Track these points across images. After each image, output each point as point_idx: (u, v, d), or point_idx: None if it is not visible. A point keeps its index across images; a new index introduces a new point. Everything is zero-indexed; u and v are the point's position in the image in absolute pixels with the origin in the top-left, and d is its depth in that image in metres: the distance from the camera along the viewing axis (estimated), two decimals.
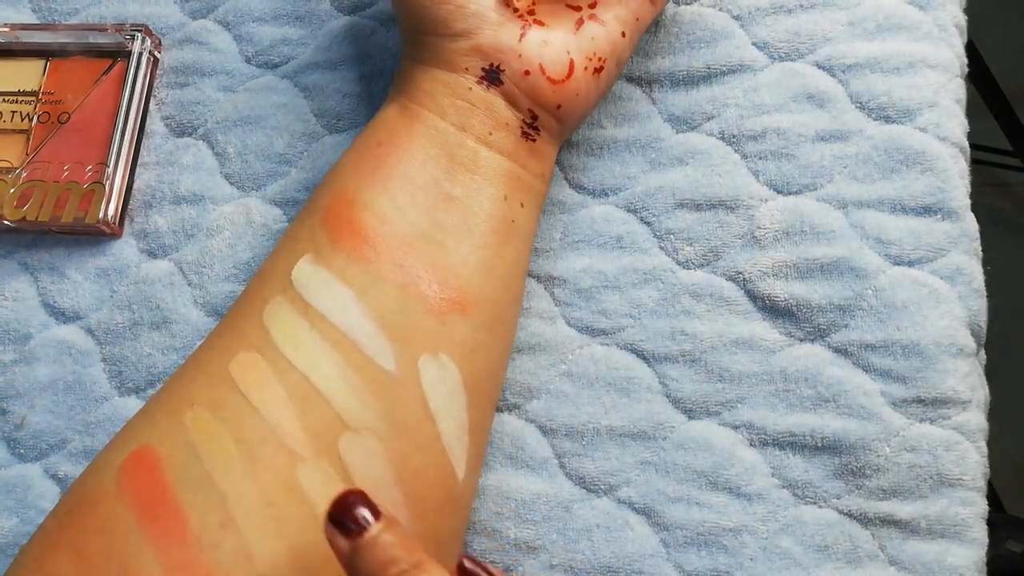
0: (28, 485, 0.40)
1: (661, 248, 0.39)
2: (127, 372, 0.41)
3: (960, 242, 0.37)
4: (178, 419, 0.30)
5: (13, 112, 0.44)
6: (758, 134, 0.39)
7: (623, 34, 0.36)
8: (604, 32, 0.35)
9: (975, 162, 0.39)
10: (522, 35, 0.34)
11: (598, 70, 0.35)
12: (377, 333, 0.31)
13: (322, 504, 0.28)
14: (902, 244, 0.37)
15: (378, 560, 0.25)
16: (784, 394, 0.36)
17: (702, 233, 0.39)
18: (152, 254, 0.42)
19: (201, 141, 0.44)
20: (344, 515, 0.25)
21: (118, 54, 0.45)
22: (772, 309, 0.37)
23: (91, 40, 0.45)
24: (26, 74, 0.45)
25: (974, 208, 0.38)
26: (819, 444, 0.35)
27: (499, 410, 0.38)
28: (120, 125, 0.43)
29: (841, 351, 0.36)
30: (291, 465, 0.29)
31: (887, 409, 0.35)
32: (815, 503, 0.35)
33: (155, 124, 0.45)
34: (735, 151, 0.39)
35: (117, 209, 0.42)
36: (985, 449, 0.35)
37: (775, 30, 0.41)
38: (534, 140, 0.35)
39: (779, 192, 0.39)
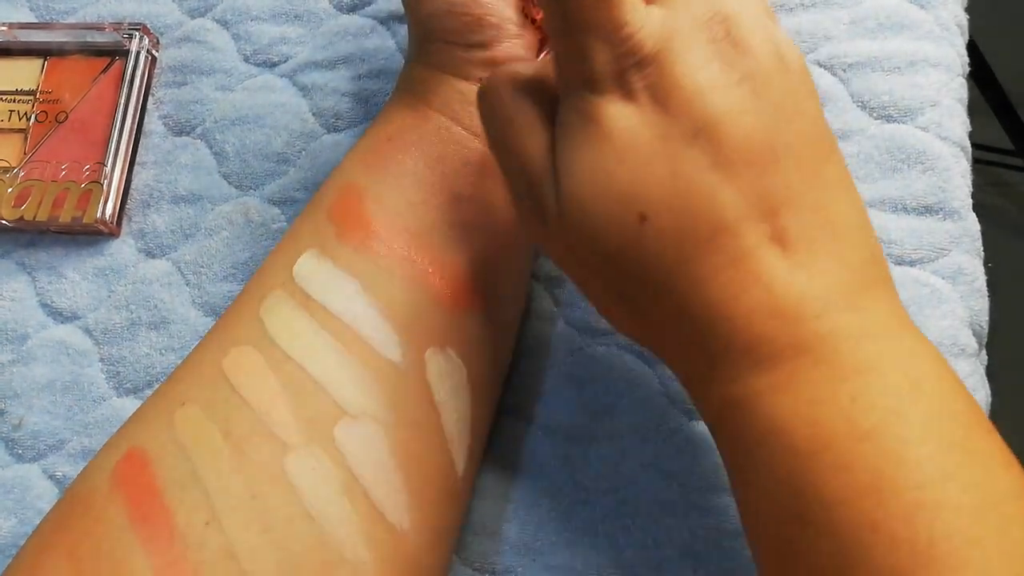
0: (26, 486, 0.40)
1: None
2: (125, 372, 0.40)
3: (962, 242, 0.37)
4: (169, 419, 0.30)
5: (11, 111, 0.44)
6: None
7: None
8: None
9: (977, 162, 0.39)
10: (540, 49, 0.34)
11: None
12: (382, 324, 0.31)
13: (309, 492, 0.28)
14: (903, 244, 0.37)
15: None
16: None
17: None
18: (150, 254, 0.42)
19: (199, 140, 0.44)
20: None
21: (116, 53, 0.45)
22: None
23: (89, 39, 0.45)
24: (24, 73, 0.45)
25: (976, 208, 0.38)
26: None
27: (499, 410, 0.38)
28: (118, 124, 0.43)
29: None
30: (279, 455, 0.29)
31: None
32: None
33: (153, 123, 0.44)
34: None
35: (115, 209, 0.42)
36: None
37: None
38: None
39: None
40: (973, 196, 0.38)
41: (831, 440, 0.24)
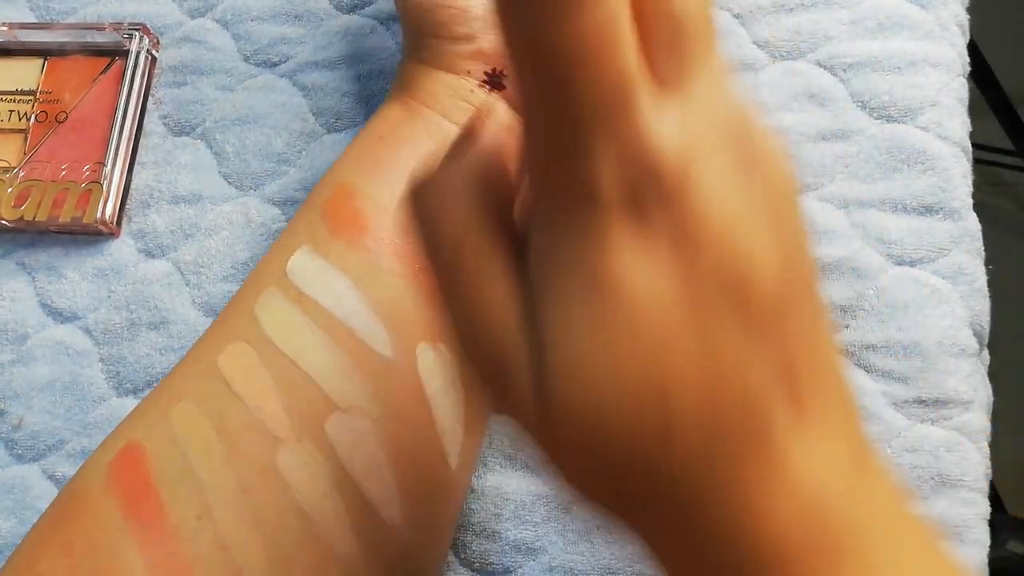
0: (26, 486, 0.40)
1: None
2: (125, 372, 0.40)
3: (962, 242, 0.37)
4: (165, 415, 0.30)
5: (11, 111, 0.44)
6: None
7: None
8: None
9: (977, 162, 0.39)
10: None
11: None
12: (374, 319, 0.31)
13: (300, 486, 0.28)
14: (903, 244, 0.37)
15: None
16: None
17: None
18: (150, 254, 0.42)
19: (199, 140, 0.44)
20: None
21: (116, 53, 0.45)
22: None
23: (89, 39, 0.45)
24: (24, 73, 0.45)
25: (976, 208, 0.38)
26: None
27: (498, 410, 0.37)
28: (118, 124, 0.43)
29: (842, 351, 0.36)
30: (271, 449, 0.29)
31: (888, 410, 0.35)
32: None
33: (153, 123, 0.44)
34: None
35: (115, 209, 0.42)
36: (987, 450, 0.35)
37: (776, 29, 0.40)
38: None
39: None
40: (973, 196, 0.38)
41: None
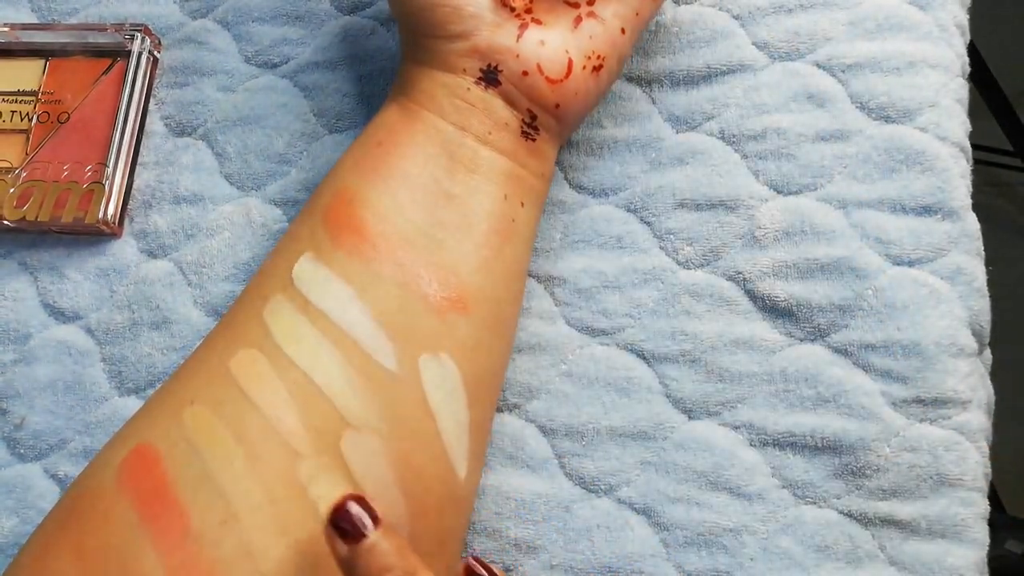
0: (28, 485, 0.40)
1: (661, 248, 0.39)
2: (127, 372, 0.40)
3: (961, 242, 0.37)
4: (178, 417, 0.30)
5: (13, 112, 0.44)
6: (758, 134, 0.39)
7: (623, 31, 0.35)
8: (603, 29, 0.35)
9: (976, 162, 0.39)
10: (519, 35, 0.34)
11: (597, 68, 0.35)
12: (377, 331, 0.31)
13: (323, 502, 0.28)
14: (902, 244, 0.37)
15: (374, 566, 0.25)
16: (784, 394, 0.36)
17: (702, 233, 0.38)
18: (152, 254, 0.42)
19: (201, 141, 0.44)
20: (344, 519, 0.26)
21: (118, 54, 0.45)
22: (772, 309, 0.37)
23: (91, 40, 0.45)
24: (26, 74, 0.45)
25: (975, 208, 0.38)
26: (819, 444, 0.35)
27: (499, 410, 0.38)
28: (120, 125, 0.43)
29: (841, 351, 0.36)
30: (292, 462, 0.29)
31: (887, 409, 0.35)
32: (815, 503, 0.35)
33: (155, 124, 0.45)
34: (735, 151, 0.39)
35: (117, 209, 0.42)
36: (986, 449, 0.35)
37: (775, 30, 0.40)
38: (534, 140, 0.35)
39: (779, 192, 0.38)
40: (972, 196, 0.38)
41: None
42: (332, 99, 0.43)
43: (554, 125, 0.36)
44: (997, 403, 0.37)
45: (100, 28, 0.45)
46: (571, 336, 0.38)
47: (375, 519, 0.26)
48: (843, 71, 0.39)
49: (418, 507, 0.30)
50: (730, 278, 0.38)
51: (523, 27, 0.35)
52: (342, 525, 0.26)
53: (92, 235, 0.43)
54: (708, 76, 0.40)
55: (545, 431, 0.37)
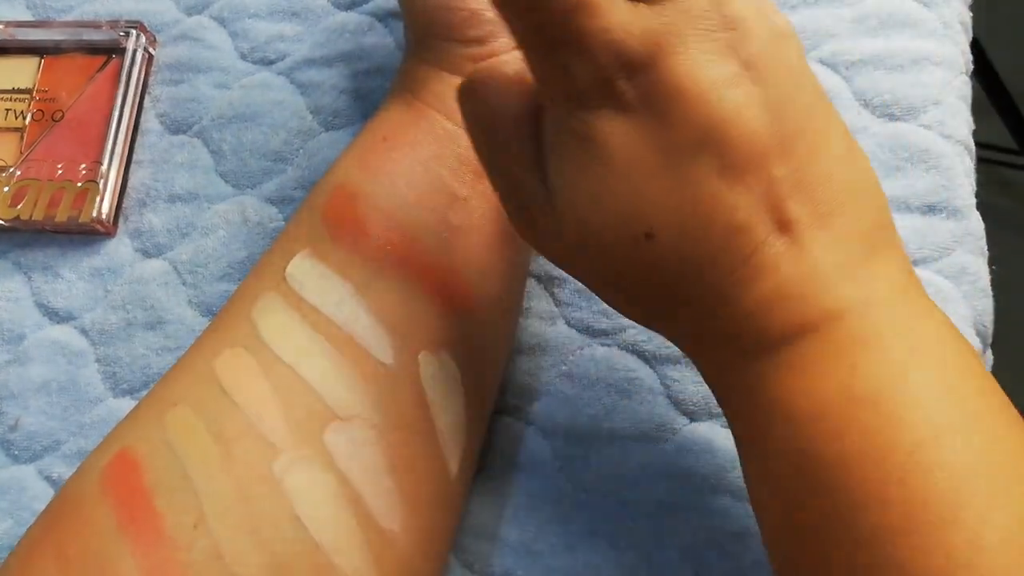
0: (22, 487, 0.39)
1: None
2: (121, 373, 0.40)
3: (965, 241, 0.36)
4: (160, 420, 0.30)
5: (7, 110, 0.44)
6: None
7: None
8: None
9: (980, 161, 0.39)
10: None
11: None
12: (375, 326, 0.31)
13: (296, 494, 0.28)
14: (906, 243, 0.37)
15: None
16: None
17: None
18: (146, 253, 0.42)
19: (196, 139, 0.43)
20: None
21: (113, 51, 0.44)
22: None
23: (85, 37, 0.44)
24: (20, 71, 0.45)
25: (979, 207, 0.37)
26: None
27: (499, 412, 0.37)
28: (114, 123, 0.43)
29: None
30: (268, 458, 0.29)
31: None
32: None
33: (150, 122, 0.44)
34: None
35: (111, 208, 0.42)
36: None
37: None
38: None
39: None
40: (976, 195, 0.38)
41: (828, 409, 0.24)
42: (329, 96, 0.43)
43: None
44: None
45: (95, 25, 0.44)
46: (572, 337, 0.38)
47: None
48: (847, 68, 0.39)
49: (410, 499, 0.30)
50: None
51: None
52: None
53: (86, 234, 0.42)
54: None
55: (545, 433, 0.37)
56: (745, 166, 0.24)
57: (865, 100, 0.39)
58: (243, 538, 0.27)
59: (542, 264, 0.39)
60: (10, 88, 0.45)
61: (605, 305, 0.38)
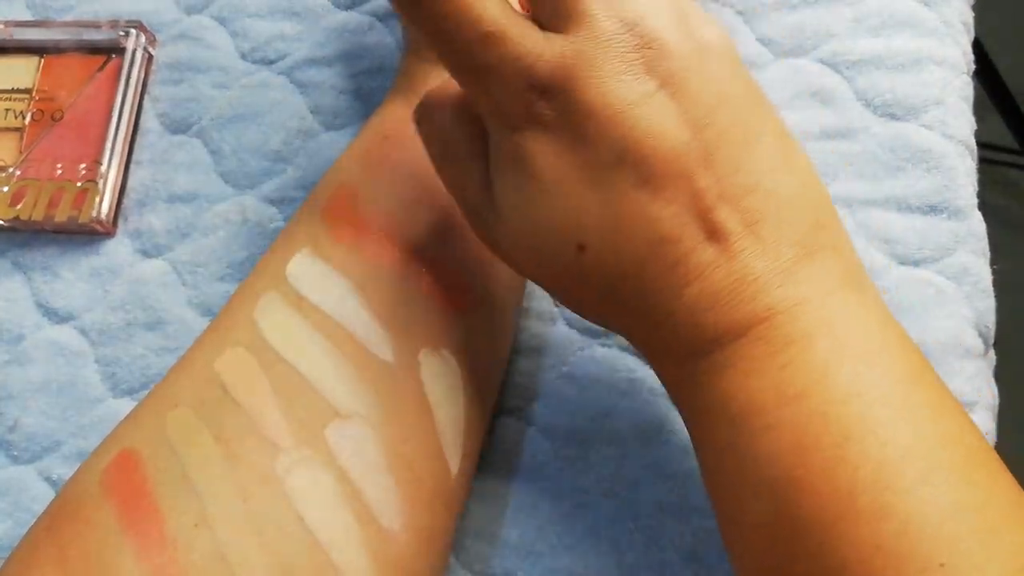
0: (22, 488, 0.39)
1: None
2: (121, 373, 0.40)
3: (966, 241, 0.36)
4: (161, 420, 0.30)
5: (6, 110, 0.44)
6: None
7: None
8: None
9: (982, 161, 0.39)
10: None
11: None
12: (375, 324, 0.31)
13: (298, 494, 0.28)
14: (907, 243, 0.36)
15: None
16: None
17: None
18: (146, 253, 0.42)
19: (196, 138, 0.43)
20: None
21: (112, 51, 0.44)
22: None
23: (85, 37, 0.44)
24: (19, 71, 0.45)
25: (980, 207, 0.37)
26: None
27: (499, 412, 0.37)
28: (114, 122, 0.43)
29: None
30: (270, 457, 0.29)
31: None
32: None
33: (149, 121, 0.44)
34: None
35: (111, 208, 0.42)
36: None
37: (779, 26, 0.40)
38: None
39: None
40: (978, 195, 0.38)
41: (761, 407, 0.25)
42: (329, 96, 0.43)
43: None
44: (1002, 404, 0.36)
45: (95, 25, 0.44)
46: (572, 337, 0.38)
47: None
48: (848, 68, 0.39)
49: (410, 498, 0.30)
50: None
51: None
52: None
53: (86, 234, 0.42)
54: None
55: (545, 433, 0.37)
56: (664, 179, 0.25)
57: (866, 100, 0.39)
58: (245, 539, 0.27)
59: None
60: (10, 88, 0.45)
61: None
